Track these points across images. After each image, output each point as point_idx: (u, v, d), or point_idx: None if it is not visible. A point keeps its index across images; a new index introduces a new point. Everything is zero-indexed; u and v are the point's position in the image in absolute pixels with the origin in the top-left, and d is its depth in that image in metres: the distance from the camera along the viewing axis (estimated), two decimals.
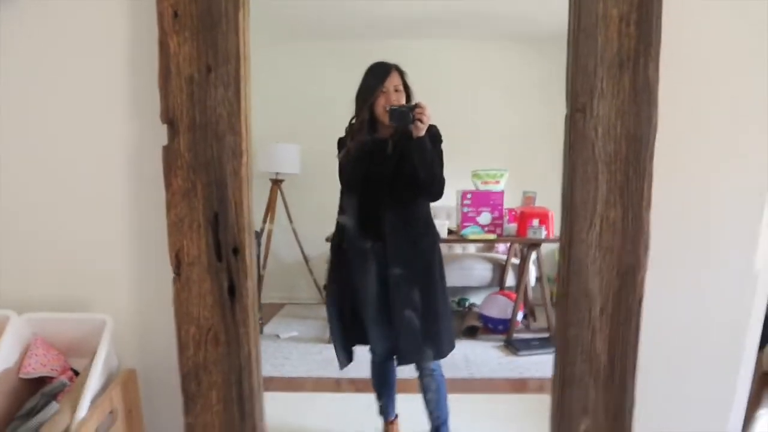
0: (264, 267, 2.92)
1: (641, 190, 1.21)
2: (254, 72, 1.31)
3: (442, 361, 1.81)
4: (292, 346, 2.75)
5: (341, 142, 1.75)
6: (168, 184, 1.24)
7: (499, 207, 2.80)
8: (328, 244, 1.88)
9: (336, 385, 2.42)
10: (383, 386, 1.97)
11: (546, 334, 2.86)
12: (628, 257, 1.23)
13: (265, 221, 3.05)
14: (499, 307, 2.90)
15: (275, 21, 2.77)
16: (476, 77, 3.08)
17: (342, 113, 1.74)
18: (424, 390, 1.82)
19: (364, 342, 1.85)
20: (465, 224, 2.80)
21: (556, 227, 2.76)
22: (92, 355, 1.34)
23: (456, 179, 2.43)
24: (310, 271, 3.06)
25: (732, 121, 1.33)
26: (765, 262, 1.43)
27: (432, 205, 1.80)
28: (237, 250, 1.24)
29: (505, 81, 3.05)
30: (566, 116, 1.24)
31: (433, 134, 1.68)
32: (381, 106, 1.65)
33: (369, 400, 2.06)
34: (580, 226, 1.23)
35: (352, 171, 1.69)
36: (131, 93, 1.38)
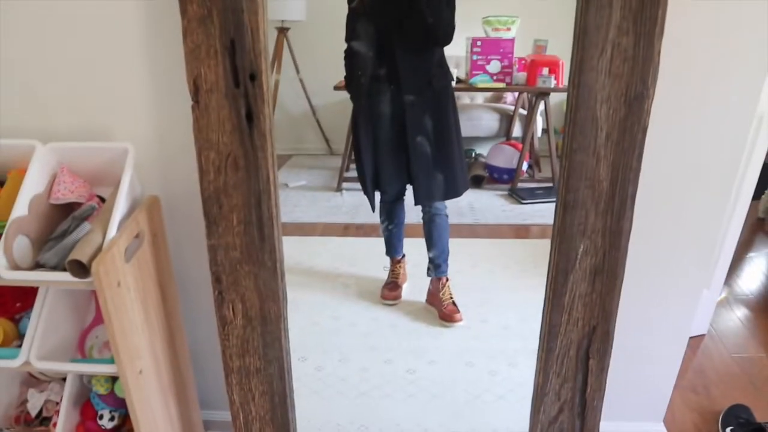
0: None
1: (655, 18, 1.18)
2: None
3: (449, 210, 1.88)
4: (301, 195, 2.81)
5: None
6: (183, 11, 1.21)
7: (509, 55, 2.70)
8: (336, 94, 1.87)
9: (345, 230, 2.53)
10: (392, 222, 2.07)
11: (550, 184, 2.88)
12: (637, 85, 1.24)
13: (271, 72, 2.98)
14: (504, 157, 2.92)
15: None
16: None
17: None
18: (429, 227, 1.91)
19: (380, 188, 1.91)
20: (474, 72, 2.73)
21: (565, 77, 2.72)
22: (116, 183, 1.40)
23: (466, 26, 2.36)
24: (318, 122, 3.06)
25: None
26: None
27: None
28: (254, 76, 1.24)
29: None
30: None
31: None
32: None
33: (377, 243, 2.17)
34: (591, 53, 1.22)
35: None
36: None
